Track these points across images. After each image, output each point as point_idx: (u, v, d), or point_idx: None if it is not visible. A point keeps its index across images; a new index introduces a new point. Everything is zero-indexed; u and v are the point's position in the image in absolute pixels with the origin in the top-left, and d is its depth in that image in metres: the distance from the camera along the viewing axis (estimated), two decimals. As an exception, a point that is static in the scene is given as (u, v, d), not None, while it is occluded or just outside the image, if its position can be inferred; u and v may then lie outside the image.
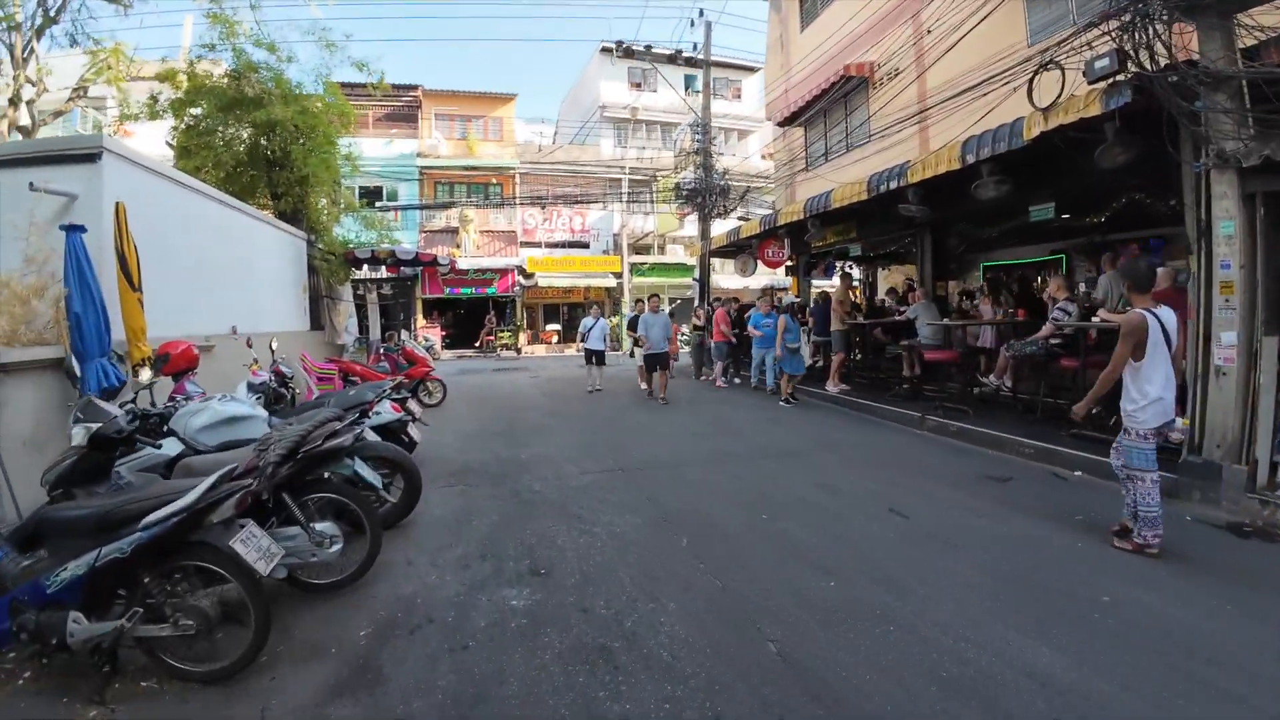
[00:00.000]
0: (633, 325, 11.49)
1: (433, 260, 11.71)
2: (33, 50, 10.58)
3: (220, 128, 9.80)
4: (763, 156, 27.90)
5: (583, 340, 11.81)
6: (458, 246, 23.29)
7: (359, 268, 11.63)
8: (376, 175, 22.51)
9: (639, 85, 27.85)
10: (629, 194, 25.68)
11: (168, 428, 3.76)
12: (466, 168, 24.44)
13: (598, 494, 5.22)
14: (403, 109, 24.97)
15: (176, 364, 4.60)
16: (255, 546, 2.55)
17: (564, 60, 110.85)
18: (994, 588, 3.39)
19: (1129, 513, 3.85)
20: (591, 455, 6.68)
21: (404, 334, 19.35)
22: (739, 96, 29.44)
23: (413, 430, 5.44)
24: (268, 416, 4.02)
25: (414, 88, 24.71)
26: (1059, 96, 5.90)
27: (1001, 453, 6.55)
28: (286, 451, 2.92)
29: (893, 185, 7.96)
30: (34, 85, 10.73)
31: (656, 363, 10.40)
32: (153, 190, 6.12)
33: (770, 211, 12.16)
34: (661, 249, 27.28)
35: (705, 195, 15.63)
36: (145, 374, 4.11)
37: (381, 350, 11.35)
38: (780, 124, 14.12)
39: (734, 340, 12.41)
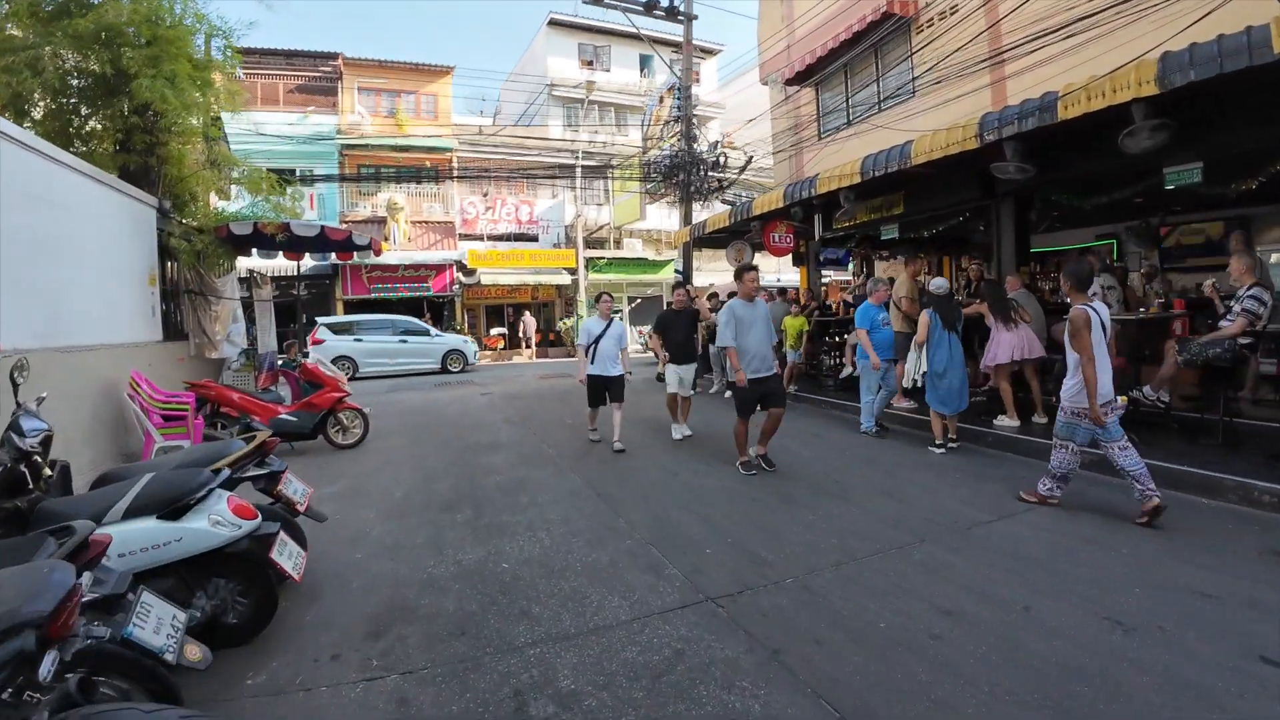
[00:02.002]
0: (662, 328, 7.22)
1: (348, 240, 8.34)
2: None
3: (40, 48, 6.51)
4: (725, 145, 25.71)
5: (589, 357, 6.61)
6: (386, 239, 19.80)
7: (245, 252, 8.37)
8: (287, 156, 18.75)
9: (590, 63, 25.29)
10: (582, 182, 22.86)
11: None
12: (396, 147, 20.92)
13: (710, 704, 2.33)
14: (320, 80, 21.32)
15: None
16: None
17: (508, 36, 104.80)
18: None
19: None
20: (632, 556, 3.80)
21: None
22: (697, 80, 27.26)
23: (282, 559, 2.51)
24: None
25: (333, 56, 21.15)
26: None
27: (1223, 501, 4.40)
28: None
29: (1028, 126, 5.57)
30: None
31: (761, 393, 5.48)
32: None
33: (793, 184, 9.64)
34: (618, 243, 24.55)
35: (689, 170, 13.04)
36: None
37: (277, 368, 8.20)
38: (789, 83, 11.68)
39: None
